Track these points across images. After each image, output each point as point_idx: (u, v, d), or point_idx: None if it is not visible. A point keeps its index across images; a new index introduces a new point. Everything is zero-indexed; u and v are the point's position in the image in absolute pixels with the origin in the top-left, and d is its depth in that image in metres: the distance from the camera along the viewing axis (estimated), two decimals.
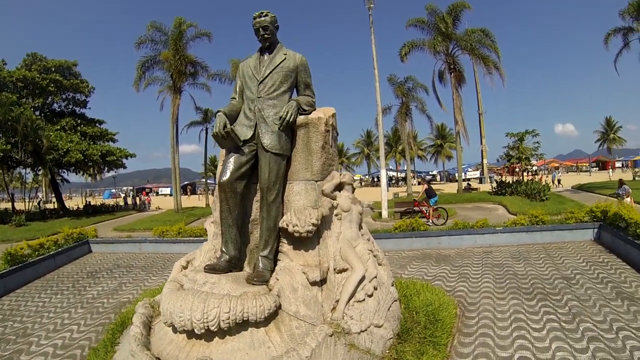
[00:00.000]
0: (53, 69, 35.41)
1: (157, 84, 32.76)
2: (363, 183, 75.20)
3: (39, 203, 45.40)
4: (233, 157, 4.71)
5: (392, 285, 5.55)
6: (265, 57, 5.01)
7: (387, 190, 22.86)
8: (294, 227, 4.53)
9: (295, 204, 4.86)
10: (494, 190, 30.92)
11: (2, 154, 28.95)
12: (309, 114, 4.98)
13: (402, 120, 36.12)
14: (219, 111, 4.79)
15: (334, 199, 5.09)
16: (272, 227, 4.76)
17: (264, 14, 4.92)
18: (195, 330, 3.98)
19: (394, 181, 69.42)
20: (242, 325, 4.11)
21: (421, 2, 32.36)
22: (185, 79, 32.08)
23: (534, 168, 39.01)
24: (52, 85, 34.82)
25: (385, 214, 21.09)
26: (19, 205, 39.96)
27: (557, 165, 75.80)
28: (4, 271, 10.25)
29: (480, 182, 48.57)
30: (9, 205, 39.08)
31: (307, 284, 4.52)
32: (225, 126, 4.57)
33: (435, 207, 19.22)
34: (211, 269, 4.63)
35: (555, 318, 6.03)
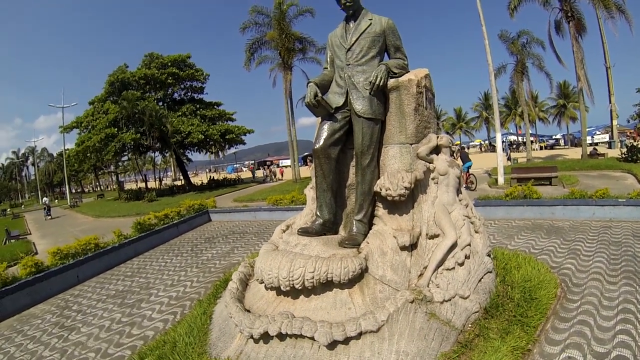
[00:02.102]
0: (169, 64, 39.23)
1: (267, 62, 33.95)
2: (483, 149, 70.72)
3: (172, 181, 51.13)
4: (326, 124, 4.86)
5: (488, 256, 5.28)
6: (351, 25, 5.02)
7: (507, 156, 21.35)
8: (386, 190, 4.57)
9: (390, 168, 4.87)
10: (623, 156, 27.19)
11: (133, 142, 33.31)
12: (400, 76, 4.90)
13: (519, 79, 33.08)
14: (309, 81, 4.92)
15: (430, 162, 5.01)
16: (366, 191, 4.85)
17: None
18: (281, 288, 4.26)
19: (514, 146, 64.30)
20: (326, 285, 4.27)
21: None
22: (294, 55, 32.85)
23: None
24: (170, 78, 38.84)
25: (501, 180, 19.79)
26: (151, 185, 45.43)
27: None
28: (134, 237, 12.21)
29: (610, 147, 43.03)
30: (143, 185, 44.39)
31: (396, 248, 4.54)
32: (316, 95, 4.68)
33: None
34: (304, 231, 4.88)
35: None
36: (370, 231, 4.88)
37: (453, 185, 5.10)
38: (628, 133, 48.61)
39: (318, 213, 5.02)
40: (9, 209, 45.07)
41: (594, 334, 4.79)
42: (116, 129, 32.94)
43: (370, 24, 4.90)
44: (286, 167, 50.50)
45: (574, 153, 37.65)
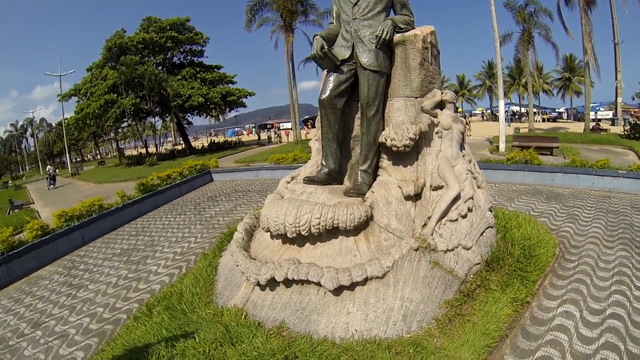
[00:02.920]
0: (168, 28, 38.36)
1: (268, 24, 33.40)
2: (485, 118, 70.18)
3: (173, 145, 50.88)
4: (332, 75, 4.87)
5: (490, 211, 5.39)
6: None
7: (509, 125, 21.19)
8: (392, 141, 4.62)
9: (394, 120, 4.91)
10: (625, 133, 27.05)
11: (133, 107, 33.02)
12: (407, 32, 4.88)
13: (524, 49, 32.43)
14: (316, 35, 4.90)
15: (434, 117, 5.04)
16: (371, 142, 4.92)
17: None
18: (288, 234, 4.34)
19: (517, 116, 63.89)
20: (332, 232, 4.36)
21: None
22: (296, 17, 32.33)
23: None
24: (170, 41, 38.07)
25: (502, 147, 19.70)
26: (152, 150, 45.40)
27: None
28: (138, 198, 12.37)
29: (613, 124, 42.71)
30: (143, 150, 44.33)
31: (401, 197, 4.63)
32: (322, 47, 4.68)
33: None
34: (310, 180, 4.97)
35: None
36: (375, 181, 4.96)
37: (457, 140, 5.16)
38: (632, 112, 48.14)
39: (324, 162, 5.10)
40: (10, 181, 45.07)
41: (590, 291, 4.95)
42: (115, 95, 32.48)
43: None
44: (287, 129, 50.24)
45: (577, 127, 37.49)
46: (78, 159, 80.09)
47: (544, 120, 57.72)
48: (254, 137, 57.23)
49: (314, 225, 4.20)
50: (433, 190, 4.75)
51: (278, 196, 5.14)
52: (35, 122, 77.71)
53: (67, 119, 41.83)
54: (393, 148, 4.62)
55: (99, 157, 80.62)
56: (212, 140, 47.30)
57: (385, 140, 4.67)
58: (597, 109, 58.45)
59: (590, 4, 28.19)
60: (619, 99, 35.76)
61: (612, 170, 10.84)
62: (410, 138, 4.53)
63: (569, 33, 30.37)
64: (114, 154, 71.96)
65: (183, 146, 45.26)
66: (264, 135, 50.01)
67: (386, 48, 4.82)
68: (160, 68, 38.58)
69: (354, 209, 4.26)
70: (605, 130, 33.06)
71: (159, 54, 39.00)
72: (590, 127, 31.00)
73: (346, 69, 4.84)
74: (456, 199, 4.73)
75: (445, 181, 4.75)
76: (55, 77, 41.64)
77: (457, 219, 4.73)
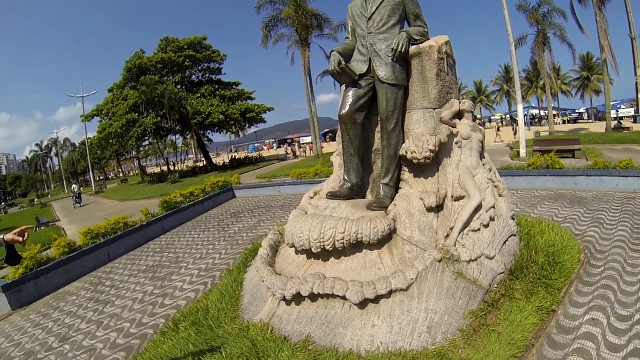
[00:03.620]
0: (185, 47, 39.38)
1: (284, 40, 33.83)
2: (504, 123, 69.25)
3: (194, 162, 51.61)
4: (351, 90, 4.97)
5: (512, 219, 5.36)
6: None
7: (529, 129, 20.93)
8: (412, 153, 4.67)
9: (414, 132, 4.97)
10: None
11: (154, 126, 33.80)
12: (421, 43, 4.96)
13: (540, 50, 32.06)
14: (332, 50, 5.00)
15: (453, 127, 5.07)
16: (392, 155, 4.98)
17: None
18: (312, 249, 4.40)
19: (536, 119, 62.87)
20: (356, 246, 4.41)
21: None
22: (311, 32, 32.63)
23: None
24: (188, 60, 39.09)
25: (523, 152, 19.43)
26: (173, 167, 46.21)
27: None
28: (161, 215, 12.64)
29: (635, 121, 41.71)
30: (165, 168, 45.12)
31: (423, 209, 4.64)
32: (339, 63, 4.76)
33: None
34: (333, 195, 5.04)
35: None
36: (397, 194, 5.00)
37: (476, 149, 5.16)
38: None
39: (346, 177, 5.16)
40: (36, 199, 46.28)
41: (618, 297, 4.84)
42: (136, 114, 33.41)
43: None
44: (307, 143, 50.45)
45: (598, 127, 36.76)
46: (101, 177, 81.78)
47: (564, 122, 56.91)
48: (274, 152, 57.64)
49: (338, 240, 4.25)
50: (454, 200, 4.76)
51: (302, 212, 5.22)
52: (59, 142, 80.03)
53: (90, 138, 43.03)
54: (414, 160, 4.67)
55: (121, 175, 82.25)
56: (233, 156, 47.95)
57: (406, 152, 4.72)
58: (618, 106, 57.14)
59: (604, 0, 27.74)
60: None
61: (636, 170, 10.60)
62: (430, 149, 4.57)
63: (584, 31, 29.86)
64: (136, 171, 73.31)
65: (204, 163, 46.03)
66: (280, 151, 50.24)
67: (402, 60, 4.89)
68: (179, 86, 39.58)
69: (377, 223, 4.30)
70: (628, 128, 32.30)
71: (177, 73, 40.05)
72: (612, 126, 30.37)
73: (364, 83, 4.92)
74: (478, 208, 4.72)
75: (466, 191, 4.76)
76: (77, 98, 42.95)
77: (479, 229, 4.72)
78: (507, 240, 5.05)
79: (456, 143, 5.07)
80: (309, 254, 4.68)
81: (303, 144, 52.69)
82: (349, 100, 4.91)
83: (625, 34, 31.22)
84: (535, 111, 67.04)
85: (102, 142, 36.55)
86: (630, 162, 10.97)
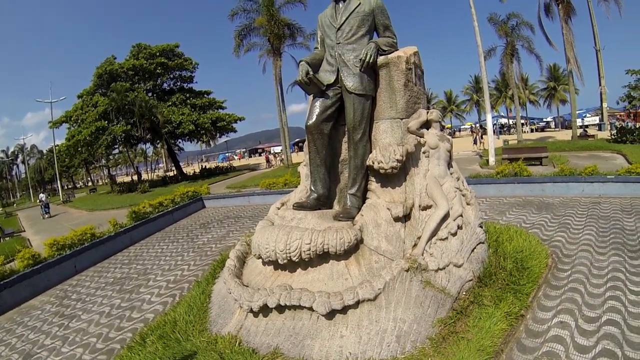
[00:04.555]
0: (158, 54, 38.73)
1: (256, 49, 33.78)
2: (474, 131, 70.87)
3: (164, 172, 50.86)
4: (319, 101, 4.96)
5: (480, 227, 5.43)
6: (340, 5, 5.10)
7: (498, 138, 21.47)
8: (379, 163, 4.68)
9: (381, 142, 4.99)
10: (612, 137, 27.46)
11: (124, 134, 33.13)
12: (390, 54, 5.00)
13: (509, 61, 33.13)
14: (301, 60, 5.00)
15: (421, 137, 5.11)
16: (359, 165, 4.97)
17: None
18: (279, 260, 4.37)
19: (505, 128, 64.68)
20: (323, 257, 4.39)
21: None
22: (283, 42, 32.63)
23: None
24: (159, 67, 38.41)
25: (492, 160, 19.92)
26: (144, 177, 45.34)
27: None
28: (130, 226, 12.33)
29: (600, 129, 43.34)
30: (135, 177, 44.26)
31: (390, 219, 4.66)
32: (307, 73, 4.77)
33: None
34: (299, 206, 5.00)
35: None
36: (364, 204, 4.99)
37: (444, 159, 5.22)
38: (618, 115, 48.89)
39: (312, 188, 5.13)
40: (0, 209, 44.63)
41: (585, 299, 4.96)
42: (106, 122, 32.61)
43: (360, 3, 4.98)
44: (277, 153, 50.55)
45: (565, 135, 37.98)
46: (69, 186, 79.56)
47: (532, 130, 58.65)
48: (245, 161, 57.32)
49: (304, 251, 4.22)
50: (422, 210, 4.79)
51: (269, 223, 5.17)
52: (26, 149, 77.52)
53: (58, 145, 41.81)
54: (381, 170, 4.68)
55: (90, 184, 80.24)
56: (204, 166, 47.29)
57: (373, 163, 4.73)
58: (584, 115, 59.38)
59: (570, 13, 28.88)
60: (604, 104, 36.26)
61: (600, 176, 11.06)
62: (397, 160, 4.58)
63: (552, 43, 31.03)
64: (106, 180, 71.64)
65: (175, 172, 45.22)
66: (260, 160, 50.01)
67: (370, 71, 4.91)
68: (150, 94, 38.86)
69: (343, 233, 4.29)
70: (593, 136, 33.52)
71: (149, 81, 39.33)
72: (578, 134, 31.45)
73: (332, 93, 4.92)
74: (445, 217, 4.76)
75: (433, 200, 4.79)
76: (46, 103, 41.77)
77: (447, 238, 4.76)
78: (475, 248, 5.11)
79: (424, 153, 5.11)
80: (276, 265, 4.64)
81: (277, 153, 52.72)
82: (316, 110, 4.90)
83: (591, 45, 32.50)
84: (504, 120, 69.01)
85: (71, 150, 35.47)
86: (595, 168, 11.43)
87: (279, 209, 5.63)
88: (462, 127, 77.39)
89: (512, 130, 60.30)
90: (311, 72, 4.78)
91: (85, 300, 7.53)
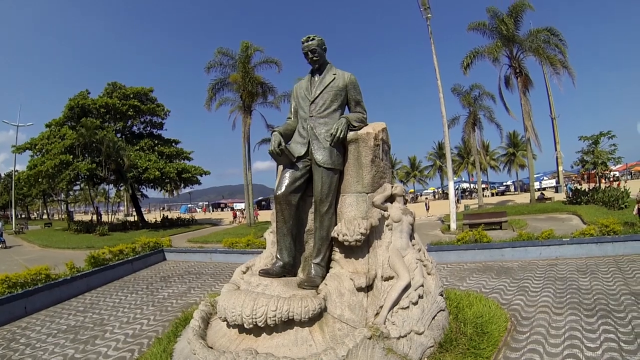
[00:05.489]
0: (132, 96, 38.91)
1: (228, 104, 34.21)
2: (437, 196, 73.16)
3: (124, 216, 49.32)
4: (288, 172, 5.11)
5: (440, 295, 5.61)
6: (316, 78, 5.38)
7: (459, 203, 22.26)
8: (343, 236, 4.82)
9: (346, 215, 5.15)
10: (568, 199, 29.08)
11: (88, 172, 32.42)
12: (359, 129, 5.25)
13: (470, 130, 35.12)
14: (273, 130, 5.22)
15: (385, 210, 5.31)
16: (324, 236, 5.08)
17: (311, 38, 5.27)
18: (245, 325, 4.40)
19: (466, 192, 67.05)
20: (288, 324, 4.45)
21: (482, 7, 31.12)
22: (255, 99, 33.16)
23: (613, 173, 36.27)
24: (132, 110, 38.43)
25: (454, 226, 20.55)
26: (103, 218, 43.82)
27: None
28: (88, 271, 11.85)
29: (556, 191, 45.65)
30: (95, 217, 42.80)
31: (353, 289, 4.78)
32: (279, 144, 4.95)
33: None
34: (265, 273, 5.05)
35: (614, 337, 5.64)
36: (328, 274, 5.09)
37: (406, 232, 5.43)
38: (573, 177, 51.76)
39: (278, 256, 5.20)
40: None
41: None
42: (71, 157, 31.79)
43: (334, 78, 5.27)
44: (240, 210, 50.80)
45: (523, 198, 39.68)
46: (23, 216, 75.69)
47: (492, 194, 61.03)
48: (207, 215, 56.74)
49: (270, 317, 4.28)
50: (384, 280, 4.92)
51: (234, 286, 5.19)
52: None
53: (18, 172, 40.31)
54: (345, 243, 4.83)
55: (46, 216, 76.65)
56: (165, 216, 46.42)
57: (338, 235, 4.87)
58: (542, 178, 62.47)
59: (528, 86, 31.14)
60: (560, 168, 38.35)
61: (556, 239, 11.68)
62: (361, 233, 4.75)
63: (510, 113, 33.25)
64: (63, 216, 68.84)
65: (135, 218, 44.11)
66: (222, 214, 49.71)
67: (340, 145, 5.14)
68: (119, 135, 38.49)
69: (308, 302, 4.38)
70: (550, 198, 35.29)
71: (119, 121, 39.05)
72: (536, 198, 32.96)
73: (301, 165, 5.10)
74: (407, 287, 4.91)
75: (396, 272, 4.95)
76: (12, 125, 40.67)
77: (408, 306, 4.89)
78: (436, 315, 5.25)
79: (387, 226, 5.30)
80: (241, 328, 4.63)
81: (241, 209, 52.80)
82: (286, 181, 5.05)
83: (547, 114, 34.78)
84: (465, 185, 71.77)
85: (31, 179, 34.08)
86: (551, 232, 12.06)
87: (244, 272, 5.66)
88: (424, 191, 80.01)
89: (473, 194, 62.69)
90: (283, 144, 4.97)
91: (35, 347, 7.05)
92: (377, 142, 5.23)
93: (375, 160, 5.22)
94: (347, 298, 4.72)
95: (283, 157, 5.06)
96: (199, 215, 63.89)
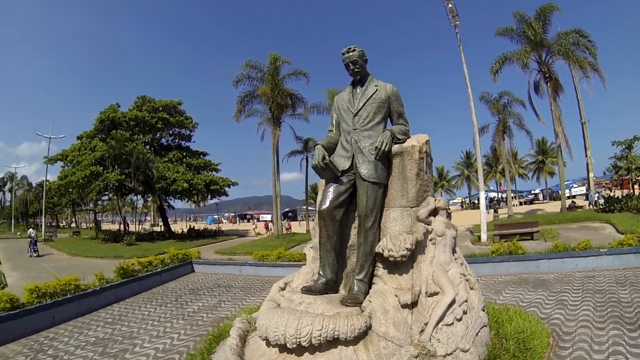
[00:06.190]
0: (160, 109, 39.86)
1: (256, 115, 34.49)
2: (464, 205, 72.26)
3: (151, 226, 50.12)
4: (332, 186, 5.00)
5: (483, 310, 5.43)
6: (358, 90, 5.29)
7: (487, 213, 21.82)
8: (389, 252, 4.69)
9: (391, 230, 5.02)
10: (600, 207, 28.14)
11: (117, 183, 33.17)
12: (403, 142, 5.15)
13: (500, 138, 34.57)
14: (317, 144, 5.12)
15: (428, 224, 5.18)
16: (368, 252, 4.96)
17: (352, 49, 5.19)
18: (288, 345, 4.28)
19: (495, 202, 66.06)
20: (332, 342, 4.33)
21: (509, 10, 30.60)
22: (284, 111, 33.39)
23: None
24: (160, 122, 39.42)
25: (484, 237, 20.15)
26: (130, 228, 44.60)
27: None
28: (116, 282, 11.95)
29: (587, 199, 44.44)
30: (122, 227, 43.59)
31: (398, 306, 4.64)
32: (324, 158, 4.86)
33: None
34: (308, 290, 4.92)
35: None
36: (371, 290, 4.96)
37: (450, 246, 5.28)
38: (604, 184, 50.25)
39: (321, 272, 5.08)
40: None
41: None
42: (101, 168, 32.68)
43: (377, 90, 5.17)
44: (269, 221, 51.02)
45: (553, 207, 38.67)
46: (53, 224, 77.81)
47: (521, 203, 59.99)
48: (233, 226, 58.70)
49: (315, 337, 4.16)
50: (429, 296, 4.79)
51: (274, 304, 5.11)
52: (17, 178, 76.73)
53: (49, 182, 41.52)
54: (390, 259, 4.70)
55: (74, 225, 78.72)
56: (192, 226, 47.01)
57: (383, 251, 4.75)
58: (571, 185, 60.82)
59: (558, 91, 30.38)
60: (591, 174, 37.19)
61: (594, 250, 11.36)
62: (407, 248, 4.63)
63: (541, 119, 32.54)
64: (90, 225, 70.46)
65: (162, 228, 44.85)
66: (248, 226, 50.11)
67: (384, 159, 5.03)
68: (148, 147, 39.36)
69: (354, 320, 4.27)
70: (581, 207, 34.19)
71: (148, 133, 40.03)
72: (567, 206, 32.01)
73: (345, 179, 4.99)
74: (452, 303, 4.78)
75: (440, 287, 4.81)
76: (45, 137, 42.04)
77: (453, 323, 4.73)
78: (479, 331, 5.07)
79: (430, 240, 5.17)
80: (281, 347, 4.52)
81: (270, 221, 53.14)
82: (330, 196, 4.94)
83: (577, 119, 33.89)
84: (493, 194, 70.55)
85: (62, 189, 35.33)
86: (588, 243, 11.77)
87: (282, 289, 5.60)
88: (452, 201, 79.12)
89: (501, 203, 61.58)
90: (327, 158, 4.89)
91: (63, 359, 7.03)
92: (422, 155, 5.12)
93: (420, 174, 5.11)
94: (391, 315, 4.58)
95: (327, 172, 4.96)
96: (225, 226, 64.47)
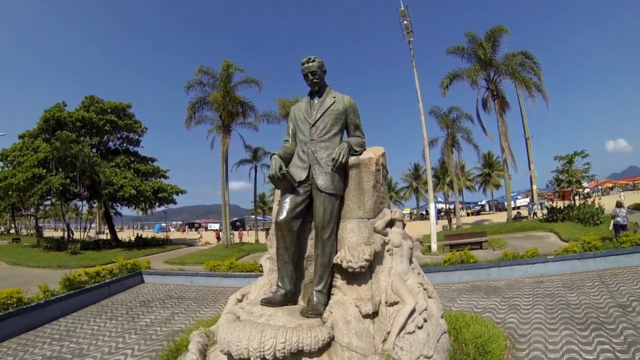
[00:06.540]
0: (109, 110, 38.45)
1: (207, 123, 34.14)
2: (412, 216, 74.24)
3: (96, 234, 48.03)
4: (289, 197, 4.97)
5: (442, 318, 5.58)
6: (316, 101, 5.30)
7: (437, 223, 22.57)
8: (347, 262, 4.72)
9: (348, 241, 5.06)
10: (543, 217, 30.03)
11: (61, 187, 31.46)
12: (360, 154, 5.21)
13: (449, 151, 36.05)
14: (273, 154, 5.08)
15: (385, 235, 5.26)
16: (326, 263, 4.96)
17: (312, 59, 5.21)
18: (252, 359, 4.19)
19: (442, 213, 68.30)
20: (296, 355, 4.29)
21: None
22: (235, 119, 33.15)
23: (586, 190, 37.49)
24: (108, 125, 37.92)
25: (434, 247, 20.86)
26: (75, 235, 42.49)
27: (611, 185, 72.33)
28: (63, 295, 11.28)
29: (529, 212, 47.02)
30: (66, 234, 41.44)
31: (359, 316, 4.68)
32: (280, 168, 4.83)
33: None
34: (267, 302, 4.85)
35: (609, 348, 5.87)
36: (331, 301, 4.97)
37: (407, 256, 5.39)
38: (547, 195, 53.31)
39: (280, 284, 5.03)
40: None
41: None
42: (44, 170, 30.95)
43: (334, 101, 5.20)
44: (215, 230, 50.36)
45: (499, 217, 40.54)
46: None
47: (468, 214, 62.25)
48: (181, 235, 57.80)
49: (279, 350, 4.10)
50: (389, 306, 4.85)
51: (233, 316, 5.00)
52: None
53: None
54: (349, 269, 4.73)
55: (13, 231, 73.97)
56: (139, 235, 45.55)
57: (341, 262, 4.77)
58: (516, 197, 64.02)
59: (504, 108, 32.15)
60: (534, 187, 39.40)
61: (541, 257, 12.10)
62: (366, 259, 4.68)
63: (488, 134, 34.38)
64: (31, 231, 66.50)
65: (108, 236, 43.09)
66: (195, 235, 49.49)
67: (341, 170, 5.05)
68: (94, 151, 37.88)
69: (317, 332, 4.26)
70: (526, 217, 36.16)
71: (95, 136, 38.38)
72: (513, 217, 33.75)
73: (302, 190, 4.98)
74: (412, 312, 4.88)
75: (400, 297, 4.89)
76: None
77: (414, 331, 4.82)
78: (440, 338, 5.18)
79: (388, 251, 5.24)
80: None
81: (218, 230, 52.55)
82: (287, 207, 4.90)
83: (521, 134, 35.94)
84: (441, 205, 73.06)
85: (0, 192, 33.09)
86: (536, 250, 12.49)
87: (240, 300, 5.51)
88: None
89: (450, 214, 64.06)
90: (284, 168, 4.86)
91: None
92: (378, 167, 5.19)
93: (376, 186, 5.18)
94: (353, 325, 4.61)
95: (284, 182, 4.93)
96: (174, 234, 63.08)
